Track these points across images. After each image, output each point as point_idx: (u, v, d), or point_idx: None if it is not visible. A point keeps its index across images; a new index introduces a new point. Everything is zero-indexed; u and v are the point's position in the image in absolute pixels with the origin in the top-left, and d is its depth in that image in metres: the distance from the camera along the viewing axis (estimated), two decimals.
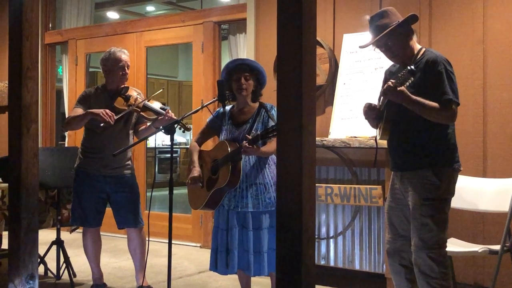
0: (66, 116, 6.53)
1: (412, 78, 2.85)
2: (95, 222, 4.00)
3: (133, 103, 3.92)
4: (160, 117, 3.88)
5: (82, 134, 4.12)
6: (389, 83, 2.91)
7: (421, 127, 2.98)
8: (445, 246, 3.02)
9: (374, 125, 3.19)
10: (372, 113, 3.12)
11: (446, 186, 3.00)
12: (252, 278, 3.63)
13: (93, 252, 4.06)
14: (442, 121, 2.97)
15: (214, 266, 3.50)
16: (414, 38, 3.12)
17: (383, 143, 3.25)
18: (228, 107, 3.60)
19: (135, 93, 4.04)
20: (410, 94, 2.89)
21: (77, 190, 3.98)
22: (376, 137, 3.20)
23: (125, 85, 4.04)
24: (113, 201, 4.00)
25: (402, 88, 2.87)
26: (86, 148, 4.00)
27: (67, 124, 4.05)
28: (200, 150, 3.67)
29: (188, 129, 3.75)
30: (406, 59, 3.08)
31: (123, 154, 3.86)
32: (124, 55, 3.99)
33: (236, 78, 3.48)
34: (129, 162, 4.07)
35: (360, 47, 3.24)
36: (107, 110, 3.80)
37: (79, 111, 3.93)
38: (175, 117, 3.87)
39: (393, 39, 3.04)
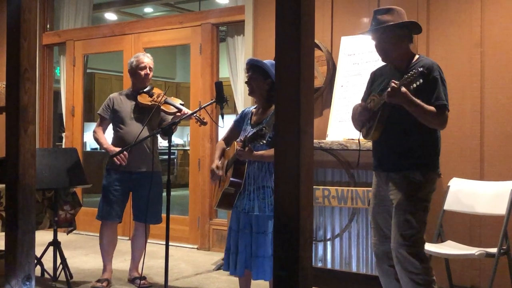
0: (63, 115, 6.58)
1: (421, 80, 2.87)
2: (120, 217, 4.27)
3: (156, 99, 4.26)
4: (178, 113, 4.21)
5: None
6: (393, 84, 2.91)
7: (412, 129, 3.02)
8: (424, 248, 3.04)
9: (360, 127, 3.21)
10: (367, 113, 3.13)
11: (429, 189, 3.06)
12: (252, 281, 3.61)
13: (111, 247, 4.30)
14: (434, 126, 3.03)
15: (227, 265, 3.49)
16: (410, 45, 3.16)
17: (368, 145, 3.26)
18: (252, 107, 3.61)
19: (159, 91, 4.40)
20: (412, 96, 2.90)
21: (106, 186, 4.25)
22: (359, 138, 3.24)
23: (151, 85, 4.41)
24: (137, 196, 4.26)
25: (405, 89, 2.89)
26: (114, 146, 4.24)
27: (94, 137, 4.45)
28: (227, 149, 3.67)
29: (204, 123, 4.16)
30: (399, 63, 3.13)
31: (147, 152, 4.23)
32: (147, 59, 4.38)
33: None
34: (154, 159, 4.31)
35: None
36: (123, 155, 4.10)
37: (104, 124, 4.36)
38: (189, 111, 4.22)
39: (387, 36, 3.08)
